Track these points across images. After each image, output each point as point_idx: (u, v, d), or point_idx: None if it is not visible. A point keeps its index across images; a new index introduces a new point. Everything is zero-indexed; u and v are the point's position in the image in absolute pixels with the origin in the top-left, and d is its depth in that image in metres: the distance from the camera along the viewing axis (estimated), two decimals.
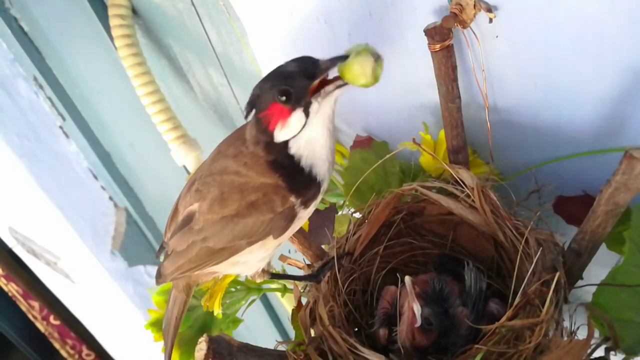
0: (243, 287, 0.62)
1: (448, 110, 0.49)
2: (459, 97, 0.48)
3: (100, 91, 1.20)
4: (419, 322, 0.47)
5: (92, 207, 1.47)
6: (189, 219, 0.47)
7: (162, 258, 0.51)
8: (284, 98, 0.41)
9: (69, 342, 2.27)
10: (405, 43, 0.51)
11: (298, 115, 0.42)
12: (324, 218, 0.60)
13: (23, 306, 2.16)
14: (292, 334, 0.53)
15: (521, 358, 0.41)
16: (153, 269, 1.64)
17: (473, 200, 0.49)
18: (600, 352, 0.41)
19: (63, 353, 2.28)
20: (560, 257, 0.45)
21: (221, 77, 0.80)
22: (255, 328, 1.27)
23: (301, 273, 0.56)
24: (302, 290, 0.54)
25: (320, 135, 0.44)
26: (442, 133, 0.53)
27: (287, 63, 0.42)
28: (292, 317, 0.53)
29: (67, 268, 1.72)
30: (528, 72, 0.45)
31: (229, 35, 0.70)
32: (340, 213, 0.61)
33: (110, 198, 1.50)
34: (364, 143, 0.61)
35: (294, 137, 0.43)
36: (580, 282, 0.45)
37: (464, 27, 0.45)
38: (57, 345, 2.26)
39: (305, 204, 0.45)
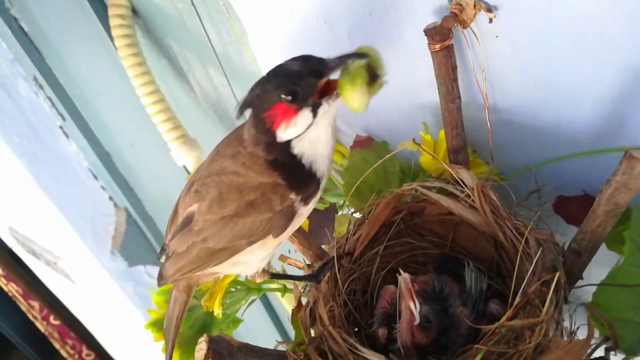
0: (243, 287, 0.62)
1: (448, 110, 0.49)
2: (459, 97, 0.48)
3: (100, 91, 1.20)
4: (417, 320, 0.47)
5: (92, 207, 1.47)
6: (189, 220, 0.47)
7: (163, 259, 0.51)
8: (290, 98, 0.41)
9: (69, 342, 2.27)
10: (405, 43, 0.51)
11: (305, 114, 0.41)
12: (324, 218, 0.60)
13: (23, 306, 2.16)
14: (292, 334, 0.53)
15: (521, 358, 0.41)
16: (153, 269, 1.64)
17: (473, 200, 0.49)
18: (600, 352, 0.41)
19: (63, 353, 2.28)
20: (560, 257, 0.45)
21: (221, 77, 0.80)
22: (255, 328, 1.27)
23: (301, 273, 0.56)
24: (302, 290, 0.54)
25: (324, 133, 0.44)
26: (442, 133, 0.53)
27: (289, 62, 0.42)
28: (292, 317, 0.53)
29: (67, 268, 1.72)
30: (528, 72, 0.45)
31: (229, 35, 0.70)
32: (340, 213, 0.61)
33: (110, 198, 1.50)
34: (364, 143, 0.61)
35: (298, 136, 0.42)
36: (580, 282, 0.45)
37: (464, 27, 0.45)
38: (57, 345, 2.26)
39: (305, 201, 0.45)
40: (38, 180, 1.34)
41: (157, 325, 0.60)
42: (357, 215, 0.57)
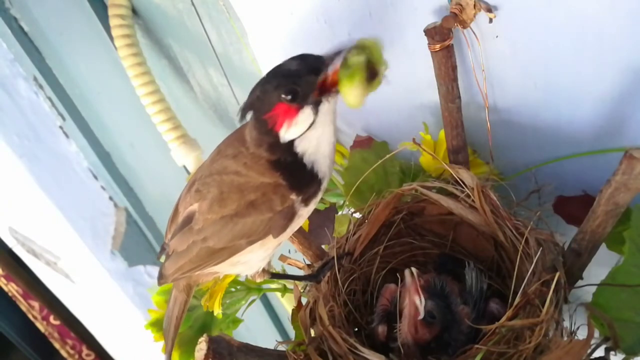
0: (243, 287, 0.62)
1: (448, 110, 0.49)
2: (459, 97, 0.48)
3: (100, 91, 1.20)
4: (422, 315, 0.47)
5: (92, 207, 1.47)
6: (189, 219, 0.47)
7: (163, 259, 0.51)
8: (289, 97, 0.40)
9: (69, 342, 2.27)
10: (405, 43, 0.51)
11: (306, 113, 0.41)
12: (324, 218, 0.60)
13: (23, 306, 2.16)
14: (292, 334, 0.53)
15: (521, 358, 0.41)
16: (153, 269, 1.64)
17: (473, 200, 0.49)
18: (600, 352, 0.41)
19: (63, 353, 2.28)
20: (560, 257, 0.45)
21: (221, 77, 0.80)
22: (255, 328, 1.27)
23: (301, 273, 0.56)
24: (302, 290, 0.54)
25: (327, 131, 0.44)
26: (442, 133, 0.53)
27: (287, 62, 0.42)
28: (292, 317, 0.53)
29: (67, 268, 1.72)
30: (528, 72, 0.45)
31: (229, 35, 0.70)
32: (340, 213, 0.61)
33: (110, 198, 1.49)
34: (364, 143, 0.61)
35: (300, 135, 0.42)
36: (580, 282, 0.45)
37: (464, 27, 0.45)
38: (57, 345, 2.26)
39: (306, 202, 0.45)
40: (38, 180, 1.34)
41: (157, 325, 0.60)
42: (357, 215, 0.57)
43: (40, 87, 1.23)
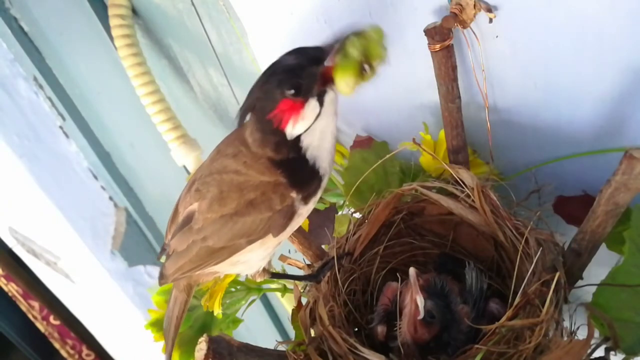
0: (243, 287, 0.62)
1: (448, 110, 0.49)
2: (459, 97, 0.48)
3: (100, 91, 1.20)
4: (422, 315, 0.47)
5: (92, 207, 1.47)
6: (189, 218, 0.47)
7: (163, 259, 0.51)
8: (293, 92, 0.40)
9: (69, 342, 2.27)
10: (405, 43, 0.51)
11: (312, 105, 0.41)
12: (324, 218, 0.60)
13: (23, 306, 2.16)
14: (292, 334, 0.53)
15: (521, 358, 0.41)
16: (153, 269, 1.64)
17: (473, 200, 0.49)
18: (600, 352, 0.41)
19: (63, 353, 2.28)
20: (560, 257, 0.45)
21: (221, 77, 0.80)
22: (255, 328, 1.27)
23: (301, 273, 0.56)
24: (302, 290, 0.54)
25: (331, 122, 0.43)
26: (442, 133, 0.53)
27: (284, 58, 0.41)
28: (292, 317, 0.53)
29: (67, 268, 1.72)
30: (528, 72, 0.45)
31: (229, 35, 0.70)
32: (340, 213, 0.61)
33: (110, 198, 1.49)
34: (364, 143, 0.61)
35: (307, 129, 0.42)
36: (580, 282, 0.45)
37: (464, 27, 0.45)
38: (57, 345, 2.26)
39: (305, 200, 0.45)
40: (38, 180, 1.34)
41: (157, 325, 0.60)
42: (357, 215, 0.57)
43: (40, 87, 1.23)
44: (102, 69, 1.07)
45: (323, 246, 0.58)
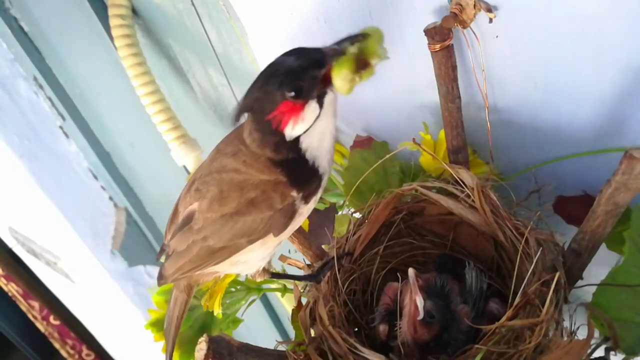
0: (243, 287, 0.62)
1: (448, 110, 0.49)
2: (459, 97, 0.48)
3: (100, 91, 1.20)
4: (421, 315, 0.47)
5: (92, 207, 1.47)
6: (189, 218, 0.47)
7: (163, 259, 0.51)
8: (293, 94, 0.40)
9: (69, 342, 2.27)
10: (405, 43, 0.51)
11: (312, 107, 0.41)
12: (324, 218, 0.60)
13: (23, 306, 2.16)
14: (292, 334, 0.53)
15: (521, 358, 0.41)
16: (153, 269, 1.64)
17: (473, 200, 0.49)
18: (600, 352, 0.41)
19: (63, 353, 2.28)
20: (560, 257, 0.45)
21: (221, 77, 0.80)
22: (255, 328, 1.27)
23: (301, 273, 0.56)
24: (302, 290, 0.54)
25: (331, 122, 0.43)
26: (442, 133, 0.53)
27: (283, 59, 0.41)
28: (292, 317, 0.53)
29: (67, 268, 1.72)
30: (528, 72, 0.46)
31: (229, 35, 0.70)
32: (340, 213, 0.61)
33: (110, 198, 1.49)
34: (364, 143, 0.61)
35: (306, 130, 0.42)
36: (580, 282, 0.45)
37: (464, 27, 0.45)
38: (57, 345, 2.26)
39: (306, 199, 0.45)
40: (38, 180, 1.34)
41: (157, 325, 0.60)
42: (357, 215, 0.57)
43: (40, 87, 1.23)
44: (102, 69, 1.07)
45: (323, 246, 0.58)
